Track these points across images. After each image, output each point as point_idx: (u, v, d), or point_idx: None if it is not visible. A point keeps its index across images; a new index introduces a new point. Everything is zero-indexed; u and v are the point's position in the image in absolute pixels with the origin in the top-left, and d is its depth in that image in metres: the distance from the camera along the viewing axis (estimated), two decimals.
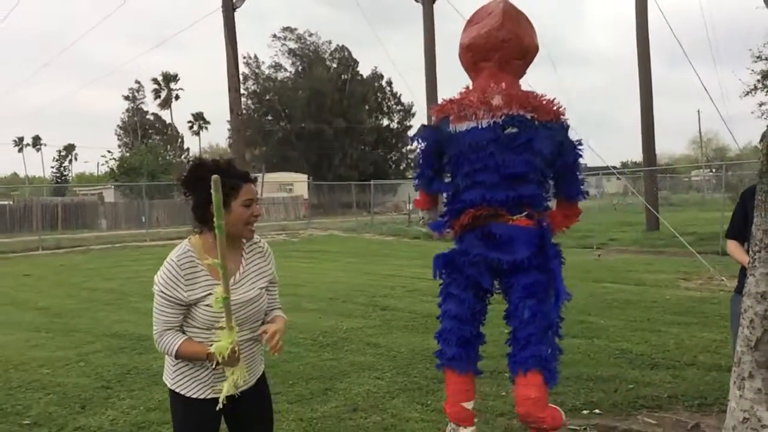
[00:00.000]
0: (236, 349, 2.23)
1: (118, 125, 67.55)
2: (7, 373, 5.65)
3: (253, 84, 50.12)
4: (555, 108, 2.73)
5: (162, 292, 2.32)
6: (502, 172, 2.63)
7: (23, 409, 4.68)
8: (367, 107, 52.91)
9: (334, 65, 51.69)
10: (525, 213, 2.67)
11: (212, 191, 2.12)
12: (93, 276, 12.58)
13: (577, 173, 2.83)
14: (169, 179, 40.02)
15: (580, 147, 2.80)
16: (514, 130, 2.62)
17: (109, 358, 5.98)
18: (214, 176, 2.11)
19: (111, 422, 4.36)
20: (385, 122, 52.90)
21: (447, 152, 2.82)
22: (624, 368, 5.17)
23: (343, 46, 52.30)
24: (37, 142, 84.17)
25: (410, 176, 19.66)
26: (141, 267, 13.47)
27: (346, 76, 51.44)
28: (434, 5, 19.56)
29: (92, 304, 9.19)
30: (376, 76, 52.91)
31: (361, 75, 52.57)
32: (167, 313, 2.33)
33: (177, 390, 2.42)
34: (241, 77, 48.89)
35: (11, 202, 32.52)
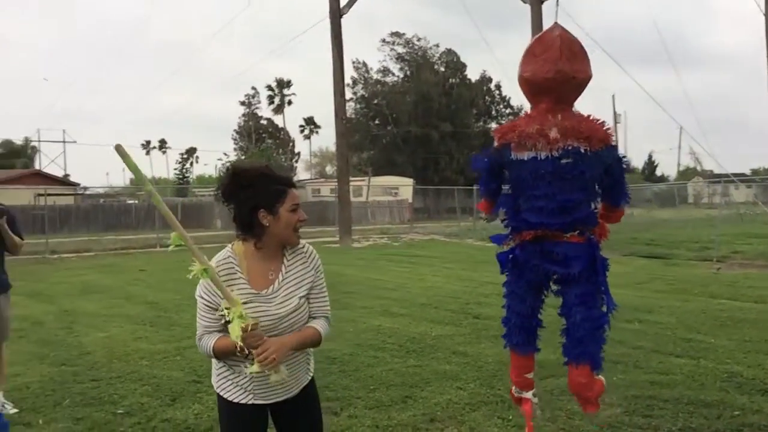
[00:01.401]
0: (247, 326, 2.17)
1: (234, 130, 70.85)
2: (110, 363, 5.99)
3: (362, 89, 51.00)
4: (604, 134, 2.98)
5: (201, 296, 2.34)
6: (559, 200, 2.94)
7: (119, 399, 4.92)
8: (474, 111, 52.52)
9: (442, 69, 51.66)
10: (577, 231, 3.00)
11: (123, 160, 2.09)
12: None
13: (623, 184, 3.14)
14: None
15: (625, 160, 3.12)
16: (569, 160, 2.90)
17: None
18: (116, 144, 2.09)
19: (196, 416, 4.50)
20: (494, 126, 52.28)
21: (508, 173, 3.13)
22: (731, 393, 4.73)
23: (450, 49, 52.27)
24: (162, 145, 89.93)
25: None
26: None
27: (453, 80, 51.31)
28: (543, 6, 19.05)
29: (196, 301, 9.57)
30: (485, 80, 52.39)
31: (469, 79, 52.23)
32: (206, 318, 2.34)
33: (221, 393, 2.43)
34: (350, 82, 50.14)
35: (137, 202, 34.88)
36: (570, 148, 2.89)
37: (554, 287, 3.15)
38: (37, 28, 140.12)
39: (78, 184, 42.26)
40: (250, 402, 2.40)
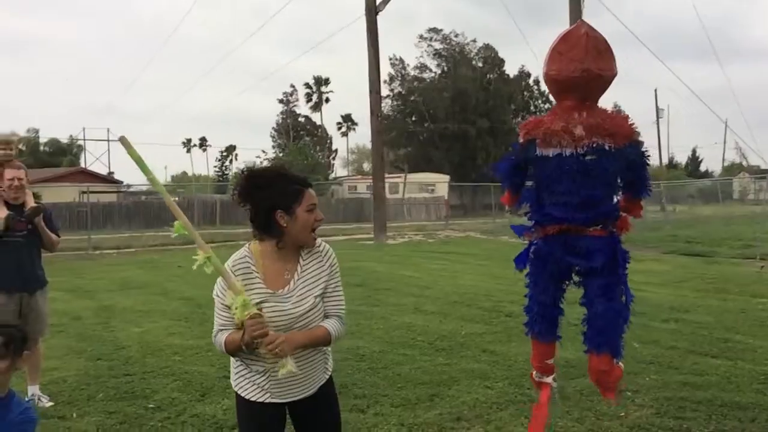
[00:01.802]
0: (248, 307, 2.21)
1: (273, 127, 71.54)
2: (144, 358, 6.11)
3: (399, 85, 50.93)
4: (629, 131, 3.00)
5: (217, 295, 2.36)
6: (583, 195, 2.98)
7: (150, 393, 5.01)
8: (513, 107, 51.95)
9: (480, 65, 51.24)
10: (600, 225, 3.05)
11: (126, 151, 2.18)
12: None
13: (645, 178, 3.14)
14: (316, 178, 41.73)
15: (648, 156, 3.13)
16: (594, 157, 2.94)
17: None
18: (121, 136, 2.20)
19: (224, 411, 4.55)
20: None
21: (532, 168, 3.16)
22: (767, 395, 4.59)
23: (488, 45, 51.76)
24: (203, 143, 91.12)
25: None
26: None
27: (491, 76, 50.83)
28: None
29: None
30: (523, 75, 51.80)
31: (507, 74, 51.69)
32: (222, 316, 2.37)
33: (238, 392, 2.45)
34: (386, 79, 50.19)
35: (177, 199, 35.51)
36: (595, 145, 2.93)
37: (576, 278, 3.20)
38: (81, 28, 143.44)
39: (121, 182, 43.18)
40: (267, 400, 2.42)
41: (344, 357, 5.90)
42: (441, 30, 51.08)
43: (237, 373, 2.47)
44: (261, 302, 2.29)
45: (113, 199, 36.51)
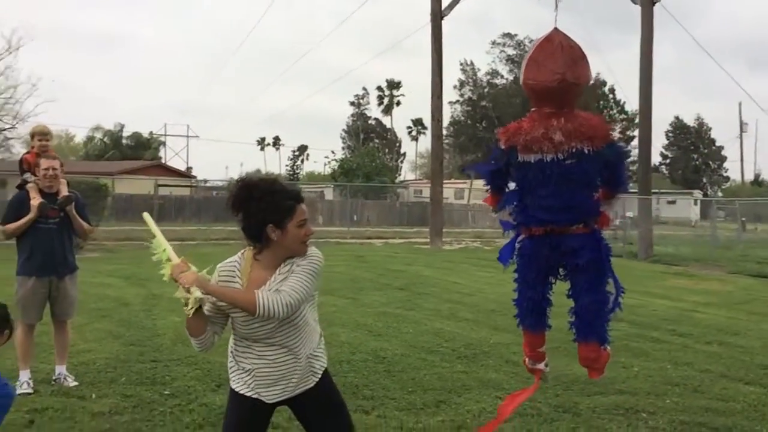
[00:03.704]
0: (172, 262, 2.46)
1: (343, 129, 72.49)
2: (174, 346, 6.31)
3: (469, 91, 50.64)
4: (605, 133, 3.07)
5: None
6: (565, 198, 3.07)
7: (170, 380, 5.18)
8: None
9: None
10: (582, 224, 3.15)
11: (149, 225, 2.53)
12: None
13: (621, 175, 3.22)
14: (382, 181, 41.96)
15: (626, 154, 3.30)
16: (574, 161, 3.02)
17: None
18: (145, 214, 2.56)
19: None
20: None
21: (514, 172, 3.24)
22: None
23: None
24: (276, 142, 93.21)
25: (633, 189, 18.67)
26: (332, 263, 14.24)
27: None
28: (654, 7, 18.12)
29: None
30: (598, 83, 50.54)
31: None
32: (208, 310, 2.54)
33: (230, 383, 2.65)
34: (456, 84, 50.04)
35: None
36: (574, 149, 3.01)
37: (562, 272, 3.31)
38: (165, 28, 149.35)
39: (194, 177, 44.74)
40: (250, 395, 2.58)
41: (364, 358, 5.94)
42: (515, 35, 50.60)
43: (230, 367, 2.67)
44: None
45: (186, 193, 37.85)
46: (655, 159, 57.02)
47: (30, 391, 4.72)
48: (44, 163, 4.86)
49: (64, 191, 4.93)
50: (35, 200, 4.76)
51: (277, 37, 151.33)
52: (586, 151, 3.00)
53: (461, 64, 50.59)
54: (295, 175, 79.26)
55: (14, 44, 17.29)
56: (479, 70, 50.80)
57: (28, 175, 4.91)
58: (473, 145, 50.16)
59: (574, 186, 3.06)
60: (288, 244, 2.48)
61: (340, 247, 19.91)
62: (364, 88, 73.08)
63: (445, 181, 51.36)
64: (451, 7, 20.03)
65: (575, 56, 3.04)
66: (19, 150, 37.51)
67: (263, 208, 2.43)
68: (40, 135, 4.96)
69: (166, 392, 4.89)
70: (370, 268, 13.27)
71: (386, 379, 5.36)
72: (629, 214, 22.92)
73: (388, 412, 4.53)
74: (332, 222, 34.46)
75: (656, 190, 29.70)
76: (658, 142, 63.61)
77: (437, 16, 19.91)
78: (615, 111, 50.45)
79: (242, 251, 2.58)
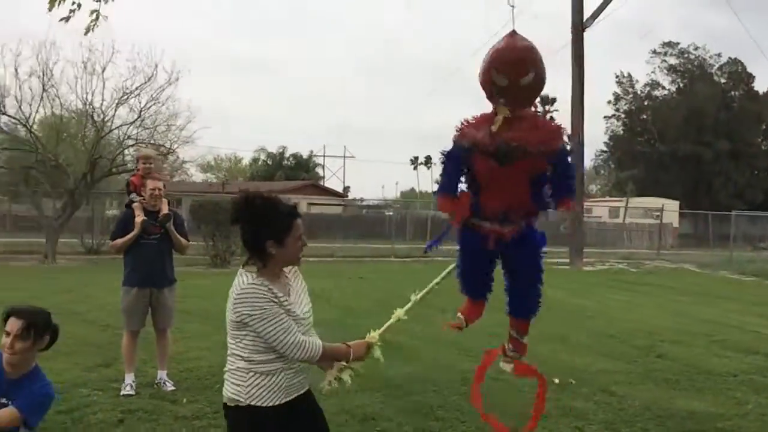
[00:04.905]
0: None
1: None
2: None
3: (626, 104, 48.14)
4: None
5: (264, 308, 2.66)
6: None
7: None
8: (763, 127, 46.39)
9: (722, 81, 46.47)
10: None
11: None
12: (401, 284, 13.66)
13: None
14: None
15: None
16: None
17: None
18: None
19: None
20: None
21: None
22: None
23: (735, 59, 46.66)
24: (428, 161, 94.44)
25: None
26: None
27: (735, 93, 45.83)
28: None
29: (383, 308, 10.04)
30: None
31: (756, 91, 46.17)
32: (285, 321, 2.70)
33: (254, 403, 2.60)
34: (612, 98, 47.69)
35: (391, 213, 37.26)
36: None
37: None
38: (311, 51, 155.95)
39: (345, 196, 46.51)
40: (284, 401, 2.62)
41: (450, 378, 5.87)
42: (678, 44, 47.32)
43: (250, 384, 2.61)
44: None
45: (338, 211, 39.42)
46: None
47: (132, 393, 5.20)
48: (150, 183, 5.37)
49: (165, 209, 5.41)
50: (139, 218, 5.27)
51: (429, 56, 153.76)
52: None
53: (617, 77, 48.23)
54: None
55: (173, 77, 18.96)
56: (637, 81, 48.09)
57: (134, 195, 5.46)
58: (631, 160, 47.44)
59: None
60: (286, 256, 2.63)
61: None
62: None
63: (599, 199, 49.19)
64: (594, 17, 19.28)
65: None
66: (193, 172, 41.23)
67: (265, 224, 2.57)
68: (144, 159, 5.50)
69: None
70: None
71: (465, 401, 5.25)
72: None
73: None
74: None
75: None
76: None
77: (578, 29, 19.23)
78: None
79: (247, 273, 2.63)
